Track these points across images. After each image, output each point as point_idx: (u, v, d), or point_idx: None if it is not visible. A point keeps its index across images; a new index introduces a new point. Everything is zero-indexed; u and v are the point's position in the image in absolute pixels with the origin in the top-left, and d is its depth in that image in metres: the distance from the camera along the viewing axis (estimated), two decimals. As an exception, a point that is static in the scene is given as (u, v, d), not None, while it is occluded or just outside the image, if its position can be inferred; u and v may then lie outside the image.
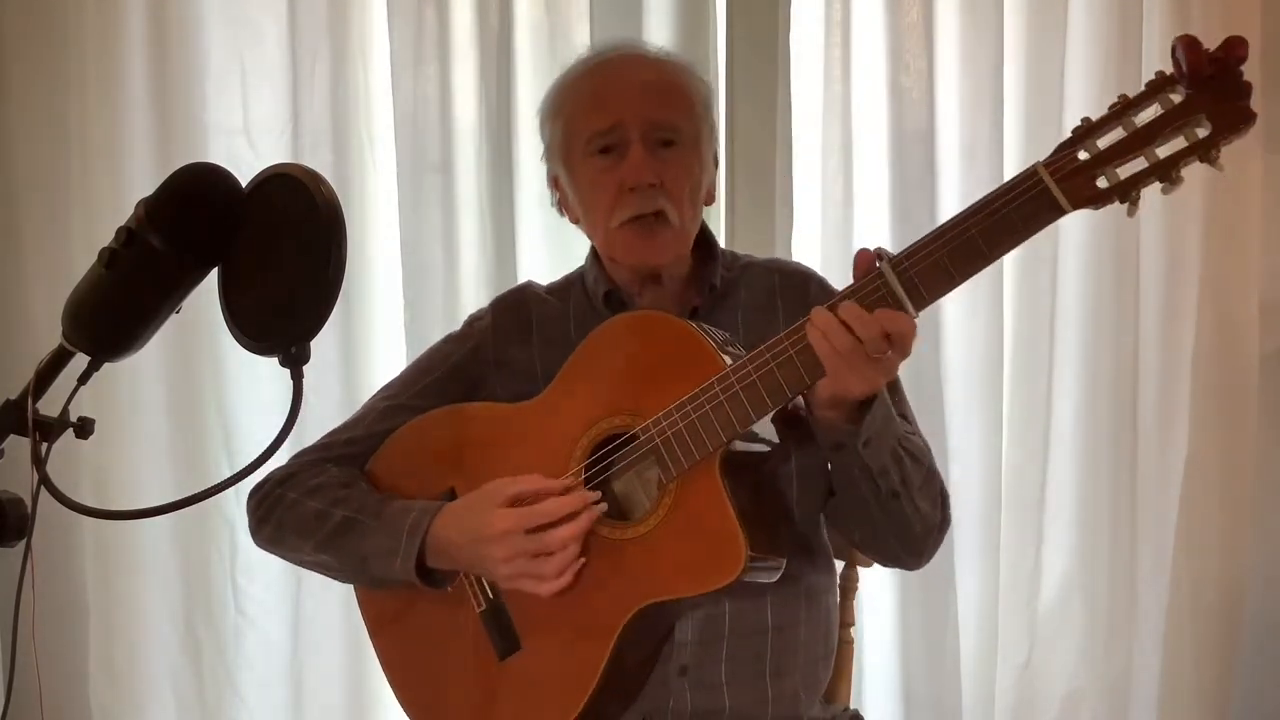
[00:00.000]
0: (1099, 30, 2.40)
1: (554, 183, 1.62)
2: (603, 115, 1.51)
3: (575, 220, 1.61)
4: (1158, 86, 1.23)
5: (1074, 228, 2.43)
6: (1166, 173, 1.22)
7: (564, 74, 1.61)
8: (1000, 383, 2.43)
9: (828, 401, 1.36)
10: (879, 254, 1.33)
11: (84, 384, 1.07)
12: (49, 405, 1.07)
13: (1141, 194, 1.24)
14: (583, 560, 1.41)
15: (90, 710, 2.32)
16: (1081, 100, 2.40)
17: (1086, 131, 1.24)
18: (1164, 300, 2.44)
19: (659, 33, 2.33)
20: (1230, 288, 2.43)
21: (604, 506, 1.42)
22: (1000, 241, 1.28)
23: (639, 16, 2.33)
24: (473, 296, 2.33)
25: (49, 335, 1.12)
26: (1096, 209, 1.25)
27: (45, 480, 1.04)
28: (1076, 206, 1.24)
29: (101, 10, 2.25)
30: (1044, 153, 2.47)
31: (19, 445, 1.05)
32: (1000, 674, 2.48)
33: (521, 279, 2.29)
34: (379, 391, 1.66)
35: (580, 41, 2.33)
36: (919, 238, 1.32)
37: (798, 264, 1.69)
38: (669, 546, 1.40)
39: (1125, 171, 1.24)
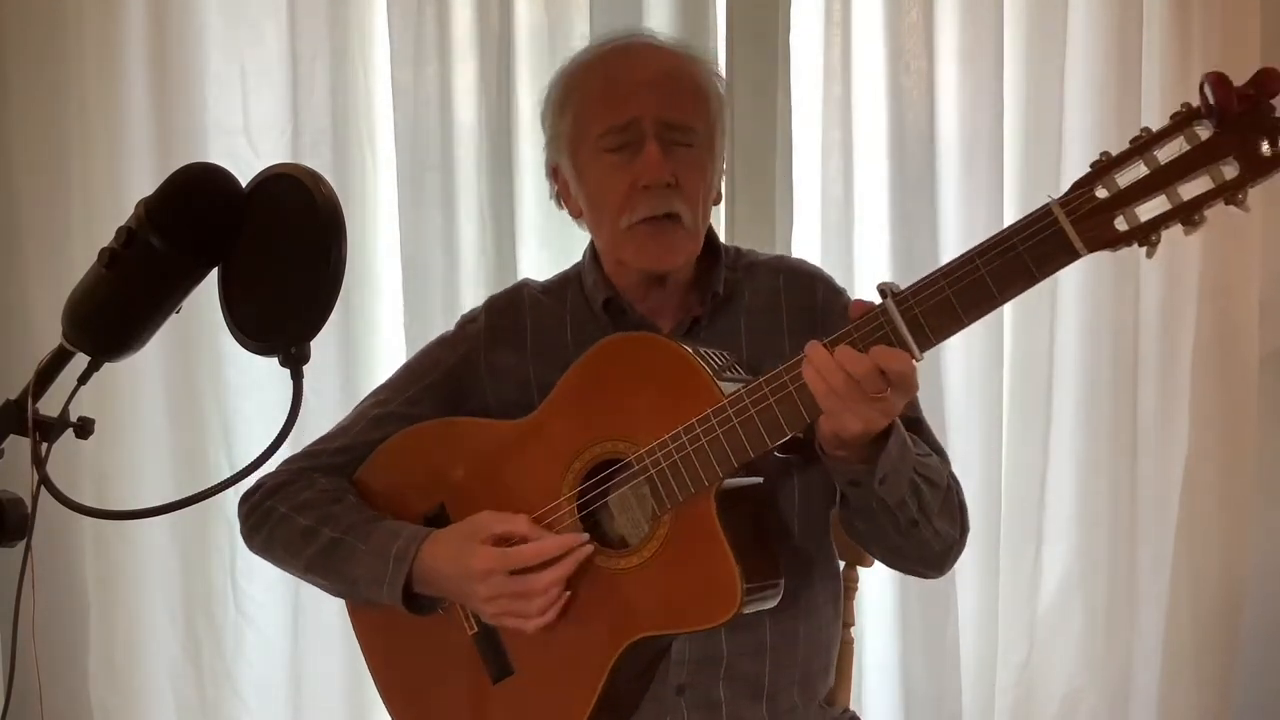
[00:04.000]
0: (1099, 31, 2.40)
1: (553, 173, 1.56)
2: (617, 111, 1.45)
3: (576, 215, 1.56)
4: (1183, 121, 1.14)
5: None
6: (1189, 215, 1.15)
7: (572, 63, 1.55)
8: (1000, 382, 2.43)
9: (832, 441, 1.31)
10: (885, 289, 1.26)
11: (84, 384, 1.07)
12: (49, 405, 1.07)
13: (1161, 236, 1.16)
14: (569, 594, 1.39)
15: (90, 710, 2.32)
16: (1081, 100, 2.41)
17: (1105, 167, 1.17)
18: (1164, 300, 2.44)
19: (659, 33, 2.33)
20: (1230, 288, 2.43)
21: (590, 549, 1.39)
22: (1011, 283, 1.20)
23: (639, 16, 2.33)
24: (472, 296, 2.32)
25: (49, 335, 1.12)
26: (1114, 251, 1.18)
27: (45, 480, 1.04)
28: (1092, 249, 1.17)
29: (101, 10, 2.25)
30: (1043, 153, 2.48)
31: (19, 445, 1.05)
32: (1000, 674, 2.48)
33: (522, 279, 2.30)
34: (369, 396, 1.63)
35: (580, 41, 2.33)
36: (925, 274, 1.25)
37: (802, 262, 1.64)
38: (663, 581, 1.37)
39: (1145, 212, 1.16)
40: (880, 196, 2.39)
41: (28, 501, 1.06)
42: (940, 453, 1.51)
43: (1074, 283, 2.43)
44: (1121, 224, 1.17)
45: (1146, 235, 1.16)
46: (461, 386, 1.58)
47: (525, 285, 1.64)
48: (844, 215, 2.38)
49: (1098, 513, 2.47)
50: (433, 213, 2.33)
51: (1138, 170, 1.16)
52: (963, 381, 2.41)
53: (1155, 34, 2.39)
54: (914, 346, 1.25)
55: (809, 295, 1.55)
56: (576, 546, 1.39)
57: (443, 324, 2.25)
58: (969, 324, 1.24)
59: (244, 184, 1.06)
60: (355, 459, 1.57)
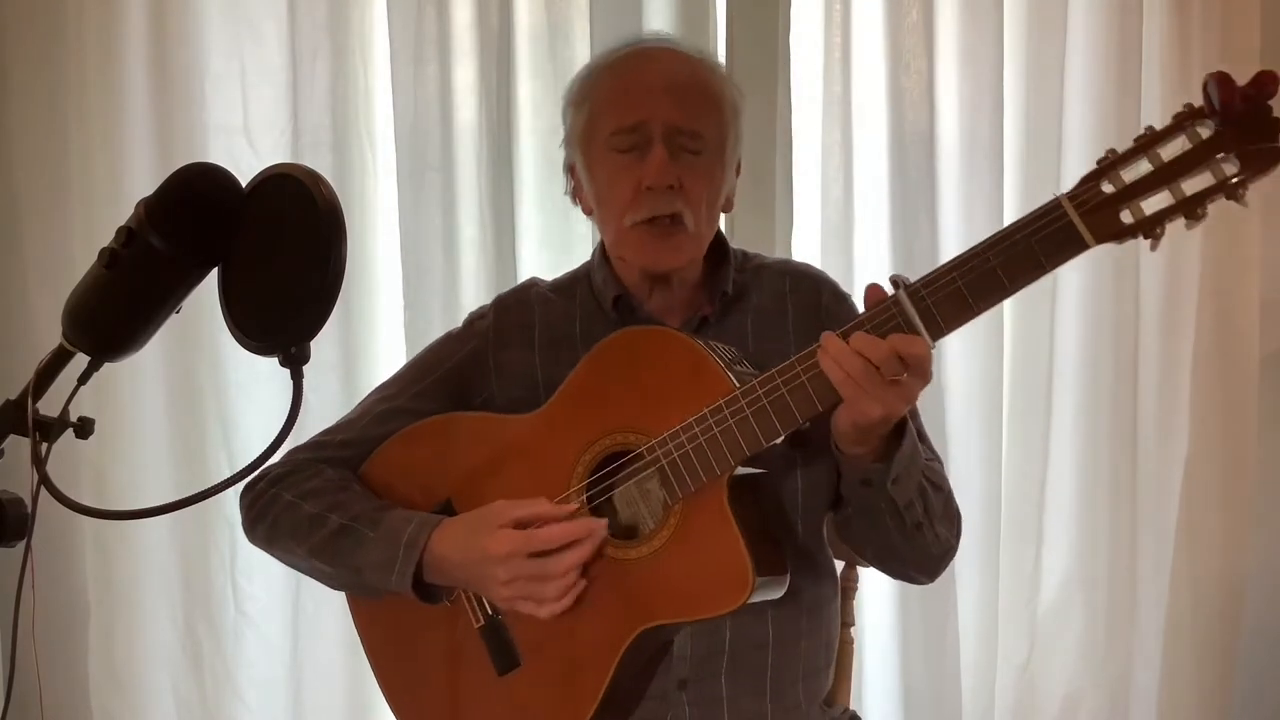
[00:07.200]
0: (1099, 30, 2.41)
1: (570, 170, 1.59)
2: (628, 112, 1.47)
3: (588, 212, 1.58)
4: (1185, 119, 1.20)
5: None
6: (1192, 209, 1.20)
7: (594, 62, 1.58)
8: (1000, 383, 2.43)
9: (851, 435, 1.33)
10: (896, 281, 1.29)
11: (84, 384, 1.08)
12: (49, 405, 1.07)
13: (1166, 229, 1.22)
14: (584, 582, 1.40)
15: (90, 710, 2.32)
16: (1081, 100, 2.41)
17: (1111, 163, 1.22)
18: (1164, 300, 2.44)
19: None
20: (1230, 288, 2.43)
21: (606, 533, 1.40)
22: (1021, 273, 1.25)
23: (639, 16, 2.33)
24: (473, 296, 2.32)
25: (49, 335, 1.12)
26: (1120, 243, 1.23)
27: (45, 480, 1.04)
28: (1100, 241, 1.22)
29: (101, 10, 2.25)
30: (1043, 153, 2.48)
31: (19, 445, 1.05)
32: (1000, 674, 2.48)
33: (522, 279, 2.30)
34: (376, 391, 1.64)
35: (580, 42, 2.33)
36: (937, 266, 1.29)
37: (808, 266, 1.66)
38: (674, 570, 1.38)
39: (1150, 206, 1.21)
40: (880, 196, 2.39)
41: (28, 501, 1.06)
42: (926, 440, 1.54)
43: (1074, 283, 2.43)
44: (1128, 217, 1.22)
45: (1151, 228, 1.22)
46: (468, 382, 1.58)
47: (534, 284, 1.65)
48: (844, 215, 2.38)
49: (1098, 513, 2.47)
50: (433, 213, 2.33)
51: (1142, 167, 1.21)
52: (963, 382, 2.41)
53: (1155, 34, 2.39)
54: (926, 336, 1.28)
55: (814, 298, 1.57)
56: (597, 530, 1.39)
57: (442, 324, 2.26)
58: (979, 313, 1.28)
59: (244, 184, 1.06)
60: (360, 453, 1.57)
